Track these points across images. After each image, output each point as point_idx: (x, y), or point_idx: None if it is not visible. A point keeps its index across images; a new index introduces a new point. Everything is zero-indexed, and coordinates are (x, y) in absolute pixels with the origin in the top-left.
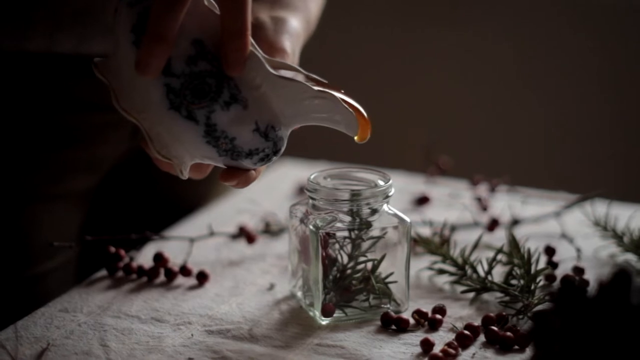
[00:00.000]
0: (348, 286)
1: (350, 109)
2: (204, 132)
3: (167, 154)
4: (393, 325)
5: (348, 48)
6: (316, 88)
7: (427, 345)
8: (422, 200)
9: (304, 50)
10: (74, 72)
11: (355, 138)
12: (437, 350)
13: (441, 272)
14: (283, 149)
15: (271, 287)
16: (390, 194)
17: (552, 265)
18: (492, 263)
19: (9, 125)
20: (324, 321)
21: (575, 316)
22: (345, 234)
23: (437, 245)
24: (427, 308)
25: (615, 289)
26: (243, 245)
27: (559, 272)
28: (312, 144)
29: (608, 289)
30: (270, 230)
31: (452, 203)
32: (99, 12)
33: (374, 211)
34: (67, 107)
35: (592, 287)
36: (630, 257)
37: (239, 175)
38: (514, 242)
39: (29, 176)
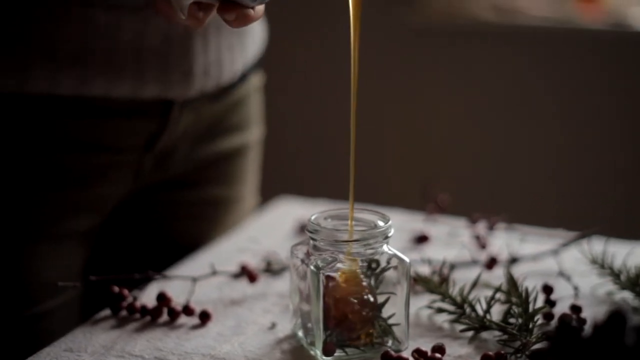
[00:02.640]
0: (350, 326)
1: None
2: None
3: None
4: None
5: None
6: None
7: None
8: (421, 239)
9: (301, 83)
10: (75, 113)
11: None
12: None
13: (440, 310)
14: None
15: (273, 326)
16: (389, 234)
17: (550, 303)
18: (490, 301)
19: (10, 165)
20: None
21: (571, 356)
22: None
23: (436, 284)
24: (427, 347)
25: (610, 329)
26: (245, 284)
27: (557, 310)
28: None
29: (603, 329)
30: (272, 269)
31: (450, 241)
32: (99, 53)
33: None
34: (68, 147)
35: (588, 327)
36: (627, 294)
37: (238, 10)
38: (512, 281)
39: (30, 216)
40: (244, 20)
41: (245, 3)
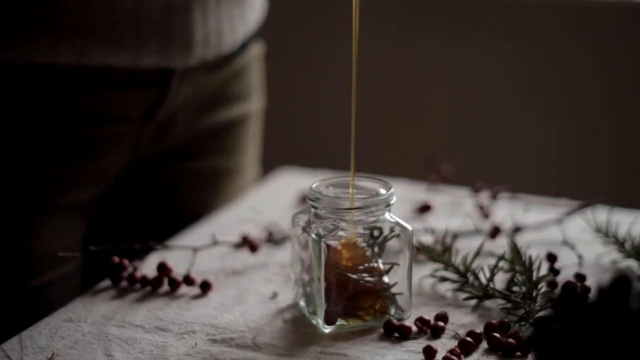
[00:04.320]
0: (352, 294)
1: None
2: None
3: None
4: (396, 333)
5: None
6: None
7: (429, 352)
8: (424, 209)
9: (304, 55)
10: (75, 83)
11: None
12: (439, 357)
13: (443, 279)
14: None
15: (274, 295)
16: (391, 202)
17: (554, 272)
18: (494, 270)
19: (11, 137)
20: (327, 329)
21: (575, 321)
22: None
23: (439, 253)
24: (430, 315)
25: (615, 294)
26: (246, 255)
27: (561, 279)
28: (314, 153)
29: (608, 294)
30: (273, 239)
31: (453, 211)
32: (99, 23)
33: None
34: (69, 118)
35: (593, 293)
36: (632, 263)
37: None
38: (515, 249)
39: (31, 187)
40: None
41: None
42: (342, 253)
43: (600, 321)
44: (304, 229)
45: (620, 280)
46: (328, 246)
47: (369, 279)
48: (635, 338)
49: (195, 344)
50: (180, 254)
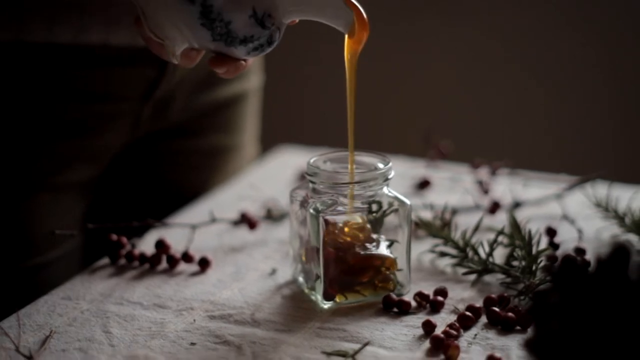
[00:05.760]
0: (350, 268)
1: (350, 8)
2: (200, 13)
3: (160, 33)
4: (395, 308)
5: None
6: None
7: (428, 327)
8: (423, 184)
9: (302, 32)
10: (74, 62)
11: (350, 38)
12: (438, 331)
13: (442, 254)
14: (277, 42)
15: (273, 272)
16: (390, 176)
17: (553, 246)
18: (493, 245)
19: (9, 116)
20: (326, 305)
21: (573, 292)
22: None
23: (438, 228)
24: (429, 290)
25: (613, 265)
26: (245, 232)
27: (560, 253)
28: (313, 131)
29: (607, 265)
30: (272, 216)
31: (453, 187)
32: (96, 1)
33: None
34: (67, 97)
35: (592, 264)
36: (632, 237)
37: (229, 63)
38: (515, 224)
39: (31, 166)
40: (235, 72)
41: (238, 56)
42: (341, 227)
43: (599, 292)
44: (302, 205)
45: (619, 251)
46: (326, 221)
47: (371, 249)
48: (633, 308)
49: (194, 320)
50: (178, 231)
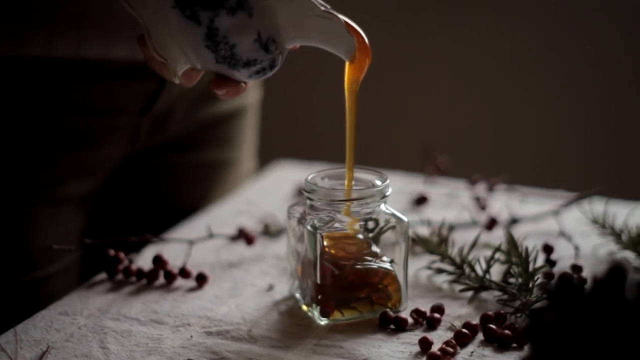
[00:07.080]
0: (347, 286)
1: (352, 34)
2: (205, 35)
3: (164, 53)
4: (391, 325)
5: None
6: (323, 8)
7: (425, 344)
8: (421, 200)
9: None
10: (73, 76)
11: (352, 65)
12: (435, 349)
13: (439, 271)
14: (279, 66)
15: (270, 288)
16: (387, 193)
17: (550, 263)
18: (490, 262)
19: (9, 129)
20: (323, 321)
21: (570, 311)
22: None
23: (435, 244)
24: (426, 307)
25: (610, 284)
26: (242, 247)
27: (557, 270)
28: (310, 146)
29: (603, 284)
30: (269, 231)
31: (450, 203)
32: (96, 15)
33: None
34: (66, 111)
35: (588, 283)
36: (629, 254)
37: (230, 85)
38: (512, 241)
39: (29, 180)
40: (235, 94)
41: (239, 79)
42: (338, 244)
43: (596, 311)
44: (300, 221)
45: (616, 271)
46: (323, 237)
47: (370, 264)
48: (630, 328)
49: (191, 336)
50: (176, 246)
